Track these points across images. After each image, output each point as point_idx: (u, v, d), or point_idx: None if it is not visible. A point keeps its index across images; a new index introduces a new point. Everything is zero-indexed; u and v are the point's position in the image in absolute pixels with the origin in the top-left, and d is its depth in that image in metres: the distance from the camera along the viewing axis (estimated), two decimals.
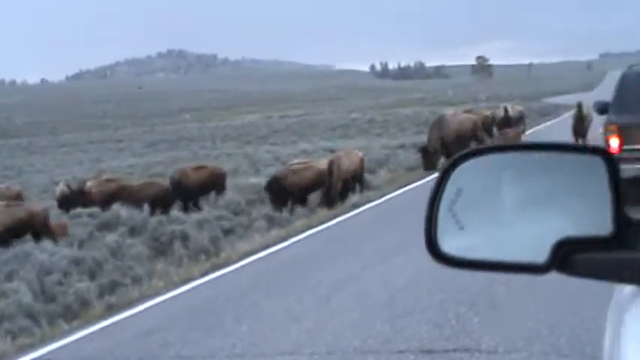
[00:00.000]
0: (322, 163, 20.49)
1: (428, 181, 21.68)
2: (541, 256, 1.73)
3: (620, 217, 1.73)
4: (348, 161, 20.33)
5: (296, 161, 22.38)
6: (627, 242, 1.71)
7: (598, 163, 1.79)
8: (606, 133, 14.23)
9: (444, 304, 8.12)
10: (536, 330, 7.11)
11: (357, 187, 20.80)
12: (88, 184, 23.28)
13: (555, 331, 7.02)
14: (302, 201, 19.85)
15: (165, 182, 22.53)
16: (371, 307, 8.49)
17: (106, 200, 22.25)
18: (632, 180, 13.56)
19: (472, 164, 1.87)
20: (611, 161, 1.79)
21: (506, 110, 29.51)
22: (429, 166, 23.86)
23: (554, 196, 1.78)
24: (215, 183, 22.63)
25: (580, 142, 27.98)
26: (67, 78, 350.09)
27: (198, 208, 21.58)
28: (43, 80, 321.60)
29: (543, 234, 1.73)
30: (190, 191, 22.14)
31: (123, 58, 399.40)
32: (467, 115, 27.11)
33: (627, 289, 1.83)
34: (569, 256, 1.72)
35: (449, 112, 27.51)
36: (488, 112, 30.06)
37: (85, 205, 22.51)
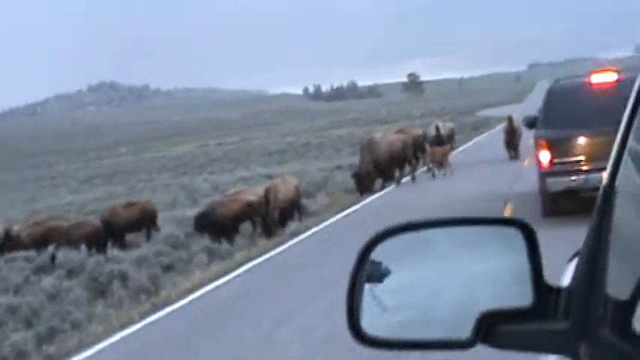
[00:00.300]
0: (252, 193, 20.41)
1: (366, 204, 21.76)
2: (465, 330, 1.70)
3: (540, 287, 1.72)
4: (285, 189, 20.25)
5: (231, 191, 22.32)
6: (548, 312, 1.70)
7: (516, 235, 1.77)
8: (536, 148, 14.48)
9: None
10: None
11: (296, 214, 20.74)
12: (16, 228, 22.90)
13: None
14: (233, 232, 19.75)
15: (97, 221, 22.30)
16: (313, 343, 8.41)
17: (36, 243, 22.02)
18: (562, 193, 13.87)
19: (392, 242, 1.84)
20: (530, 231, 1.78)
21: (437, 128, 29.79)
22: (363, 189, 23.92)
23: (474, 270, 1.76)
24: (146, 219, 22.47)
25: (512, 153, 28.48)
26: None
27: (125, 245, 21.49)
28: None
29: (466, 308, 1.71)
30: (121, 229, 22.01)
31: (53, 93, 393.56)
32: (396, 135, 27.22)
33: (551, 358, 1.82)
34: (492, 329, 1.70)
35: (378, 134, 27.67)
36: (419, 131, 30.28)
37: (14, 249, 22.17)
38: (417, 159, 28.92)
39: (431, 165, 26.53)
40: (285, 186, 20.49)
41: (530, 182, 17.80)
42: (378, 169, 24.70)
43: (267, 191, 19.59)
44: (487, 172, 25.28)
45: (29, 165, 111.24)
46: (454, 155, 33.58)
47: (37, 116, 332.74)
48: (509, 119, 29.22)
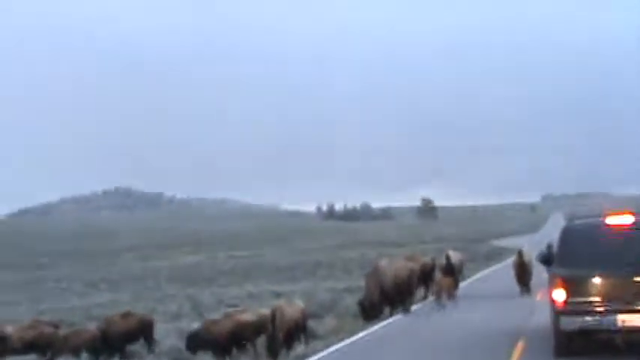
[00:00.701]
0: (249, 313, 20.10)
1: (373, 331, 21.33)
2: None
3: None
4: (291, 311, 19.92)
5: (230, 310, 22.09)
6: None
7: None
8: (551, 286, 14.36)
9: None
10: None
11: (302, 337, 20.31)
12: (9, 329, 22.64)
13: None
14: (227, 353, 19.33)
15: (95, 330, 22.05)
16: None
17: (28, 347, 21.84)
18: (575, 332, 13.67)
19: None
20: None
21: (447, 258, 29.31)
22: (368, 317, 23.54)
23: None
24: (143, 331, 22.18)
25: (523, 288, 28.01)
26: (8, 215, 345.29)
27: (126, 356, 21.19)
28: None
29: None
30: (118, 339, 21.75)
31: (69, 195, 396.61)
32: (403, 263, 26.74)
33: None
34: None
35: (384, 261, 27.31)
36: (427, 259, 29.93)
37: (6, 353, 21.91)
38: (427, 287, 28.54)
39: (438, 294, 26.07)
40: (292, 308, 20.18)
41: (542, 318, 17.47)
42: (384, 297, 24.35)
43: (274, 312, 19.26)
44: (499, 305, 24.93)
45: (38, 265, 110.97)
46: (465, 285, 33.22)
47: (50, 216, 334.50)
48: (519, 253, 28.90)
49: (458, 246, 56.29)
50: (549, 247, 25.60)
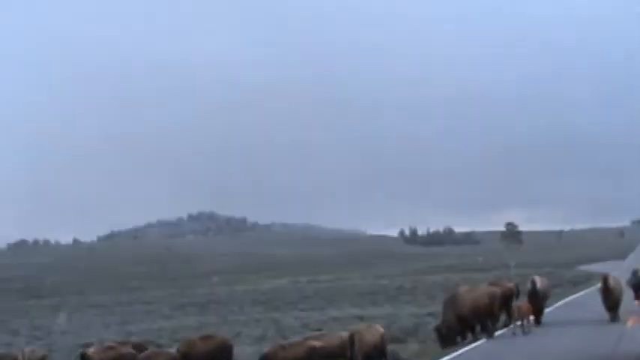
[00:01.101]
0: (322, 339, 20.12)
1: (457, 356, 21.25)
2: None
3: None
4: (370, 335, 20.00)
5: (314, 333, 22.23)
6: None
7: None
8: None
9: None
10: None
11: None
12: (91, 351, 23.31)
13: None
14: None
15: (174, 352, 22.38)
16: None
17: None
18: None
19: None
20: None
21: (533, 283, 28.76)
22: (446, 344, 23.44)
23: None
24: (223, 354, 22.41)
25: (611, 314, 27.25)
26: (99, 238, 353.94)
27: None
28: (75, 240, 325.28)
29: None
30: None
31: (155, 219, 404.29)
32: (484, 289, 26.37)
33: None
34: None
35: (463, 287, 27.05)
36: (511, 284, 29.29)
37: None
38: (508, 313, 28.06)
39: (518, 320, 25.66)
40: (370, 332, 20.25)
41: (632, 345, 17.20)
42: (462, 324, 24.21)
43: (352, 336, 19.35)
44: (586, 331, 24.47)
45: (125, 288, 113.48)
46: (551, 311, 32.69)
47: (137, 240, 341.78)
48: (604, 279, 28.21)
49: (543, 272, 55.30)
50: (635, 272, 25.09)
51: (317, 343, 19.77)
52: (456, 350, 22.27)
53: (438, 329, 24.18)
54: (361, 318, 39.84)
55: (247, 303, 65.97)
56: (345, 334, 20.01)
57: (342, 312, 45.92)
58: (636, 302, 26.36)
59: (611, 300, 27.16)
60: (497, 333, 25.37)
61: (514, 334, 24.90)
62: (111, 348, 23.78)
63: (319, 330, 26.44)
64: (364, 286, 74.82)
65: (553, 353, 19.10)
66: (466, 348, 22.78)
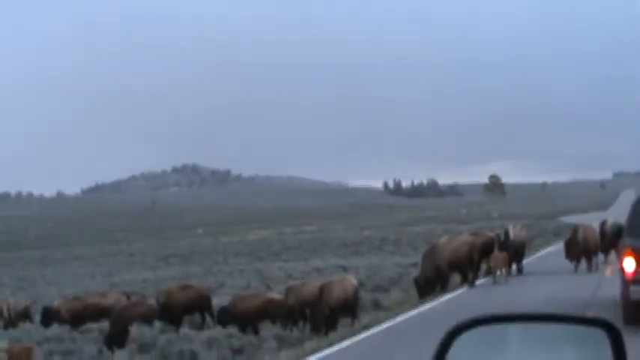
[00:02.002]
0: (278, 291, 20.45)
1: (438, 303, 21.51)
2: None
3: None
4: (341, 288, 19.71)
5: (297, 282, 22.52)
6: None
7: (602, 336, 1.75)
8: (621, 256, 14.63)
9: None
10: None
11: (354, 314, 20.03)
12: (56, 303, 23.66)
13: None
14: (253, 328, 19.68)
15: (153, 302, 22.57)
16: None
17: (76, 319, 22.70)
18: None
19: (473, 333, 1.87)
20: (616, 333, 1.75)
21: (506, 233, 28.72)
22: (423, 295, 23.65)
23: None
24: (201, 304, 22.61)
25: (574, 265, 27.33)
26: (83, 191, 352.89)
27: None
28: (59, 193, 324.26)
29: None
30: (177, 311, 22.22)
31: (139, 171, 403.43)
32: (463, 239, 26.59)
33: None
34: None
35: (443, 238, 27.22)
36: (492, 234, 29.33)
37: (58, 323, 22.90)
38: (477, 267, 28.14)
39: (492, 270, 25.77)
40: (342, 285, 19.94)
41: (610, 291, 17.48)
42: (440, 275, 24.43)
43: (322, 288, 19.27)
44: (566, 280, 24.77)
45: (110, 240, 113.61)
46: (531, 261, 33.04)
47: (121, 193, 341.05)
48: (574, 230, 28.32)
49: (524, 223, 55.72)
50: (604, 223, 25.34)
51: (274, 295, 20.17)
52: (437, 299, 22.54)
53: (416, 280, 24.36)
54: (344, 268, 40.11)
55: (231, 254, 66.24)
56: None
57: (326, 262, 46.19)
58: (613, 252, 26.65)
59: (577, 249, 27.24)
60: (479, 282, 25.65)
61: (491, 283, 25.14)
62: (77, 299, 24.07)
63: (302, 280, 26.64)
64: (348, 237, 75.18)
65: (532, 300, 19.36)
66: (448, 296, 23.06)
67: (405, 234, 74.02)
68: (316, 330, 18.59)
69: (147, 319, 21.23)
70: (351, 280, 20.83)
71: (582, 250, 27.07)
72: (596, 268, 26.71)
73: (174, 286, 25.02)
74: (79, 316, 23.04)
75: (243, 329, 19.80)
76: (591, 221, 36.26)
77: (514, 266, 27.74)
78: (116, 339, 19.66)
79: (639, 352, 8.70)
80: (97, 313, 23.13)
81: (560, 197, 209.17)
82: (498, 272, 25.66)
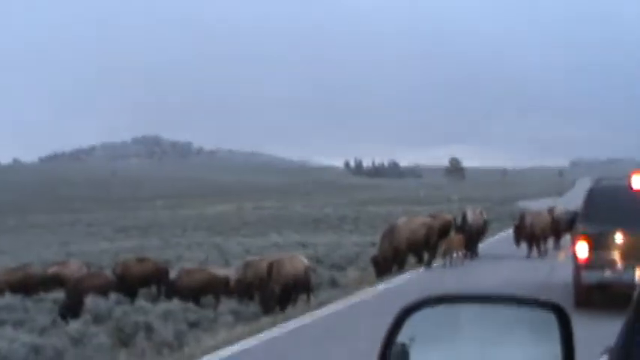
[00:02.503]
0: (227, 268, 20.58)
1: (395, 283, 21.68)
2: None
3: None
4: (291, 267, 19.47)
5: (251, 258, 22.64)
6: None
7: (550, 319, 1.78)
8: (574, 241, 15.27)
9: None
10: None
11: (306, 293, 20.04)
12: None
13: None
14: (195, 302, 19.73)
15: (109, 274, 22.51)
16: None
17: (13, 290, 22.69)
18: (595, 286, 14.46)
19: (425, 314, 1.88)
20: (565, 316, 1.79)
21: (464, 217, 28.76)
22: (381, 274, 23.83)
23: (506, 348, 1.78)
24: (158, 277, 22.57)
25: (527, 250, 27.61)
26: (41, 159, 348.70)
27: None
28: (15, 160, 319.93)
29: None
30: (133, 284, 22.21)
31: (99, 141, 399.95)
32: (422, 221, 26.84)
33: None
34: None
35: (402, 219, 27.42)
36: (450, 217, 29.74)
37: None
38: (434, 248, 28.37)
39: (446, 252, 25.89)
40: (292, 263, 19.78)
41: (562, 275, 17.79)
42: (397, 256, 24.61)
43: (271, 266, 19.19)
44: (520, 263, 25.09)
45: (67, 209, 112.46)
46: (488, 244, 33.40)
47: (80, 162, 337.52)
48: (521, 216, 28.67)
49: (485, 206, 56.25)
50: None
51: (219, 272, 20.28)
52: (394, 278, 22.70)
53: (374, 259, 24.51)
54: (303, 245, 40.22)
55: (190, 227, 66.09)
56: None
57: (285, 239, 46.26)
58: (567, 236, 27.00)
59: (525, 236, 27.57)
60: (435, 264, 25.88)
61: (445, 265, 25.28)
62: (18, 269, 23.95)
63: (260, 255, 26.63)
64: (308, 215, 75.35)
65: (487, 283, 19.59)
66: (404, 276, 23.23)
67: (364, 213, 74.38)
68: (266, 308, 18.48)
69: (103, 290, 21.12)
70: (301, 259, 20.78)
71: (529, 235, 27.23)
72: (546, 254, 26.89)
73: (130, 257, 24.90)
74: (16, 287, 22.84)
75: (197, 303, 19.83)
76: (545, 206, 36.75)
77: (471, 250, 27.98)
78: (71, 309, 19.53)
79: (589, 333, 8.97)
80: (71, 285, 22.82)
81: (519, 183, 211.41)
82: (455, 255, 25.90)
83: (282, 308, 18.62)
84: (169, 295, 20.01)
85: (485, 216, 33.35)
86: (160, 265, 23.26)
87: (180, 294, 19.91)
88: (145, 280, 22.49)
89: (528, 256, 26.53)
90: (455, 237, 26.65)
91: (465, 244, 26.82)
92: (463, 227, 27.83)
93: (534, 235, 27.29)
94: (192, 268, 22.33)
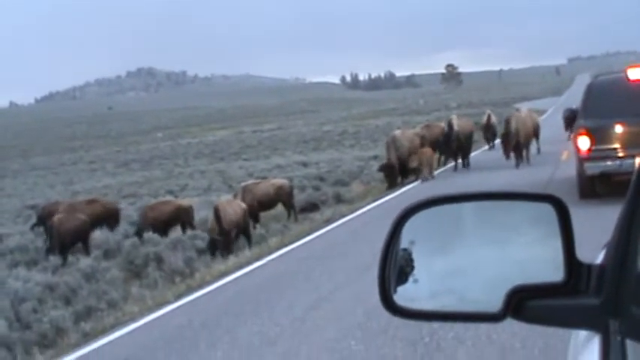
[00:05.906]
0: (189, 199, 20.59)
1: (401, 193, 21.77)
2: (496, 304, 1.74)
3: (572, 263, 1.75)
4: (231, 210, 18.16)
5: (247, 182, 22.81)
6: (578, 288, 1.73)
7: (549, 210, 1.80)
8: (576, 136, 15.58)
9: (417, 322, 8.09)
10: None
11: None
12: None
13: None
14: (163, 234, 19.75)
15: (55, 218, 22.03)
16: (345, 327, 8.49)
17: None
18: (598, 176, 15.02)
19: (424, 215, 1.88)
20: (563, 207, 1.80)
21: (450, 125, 27.35)
22: (392, 184, 23.87)
23: (507, 244, 1.79)
24: (108, 218, 22.06)
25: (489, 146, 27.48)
26: (37, 100, 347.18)
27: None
28: (11, 103, 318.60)
29: (497, 282, 1.74)
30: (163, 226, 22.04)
31: (93, 78, 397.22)
32: (413, 131, 27.08)
33: (581, 334, 1.85)
34: (523, 303, 1.73)
35: (398, 130, 27.40)
36: (443, 126, 28.98)
37: None
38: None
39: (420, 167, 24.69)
40: (232, 207, 18.51)
41: (566, 172, 17.93)
42: (401, 165, 24.62)
43: (217, 208, 17.91)
44: (522, 166, 25.01)
45: (68, 148, 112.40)
46: (482, 151, 33.42)
47: (76, 100, 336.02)
48: (488, 117, 28.55)
49: (480, 111, 56.01)
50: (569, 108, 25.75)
51: (183, 202, 20.39)
52: (398, 190, 22.80)
53: (385, 167, 24.46)
54: (305, 164, 40.35)
55: (192, 156, 66.13)
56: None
57: (286, 159, 46.34)
58: (569, 135, 26.75)
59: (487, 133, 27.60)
60: (437, 172, 25.96)
61: (422, 181, 24.09)
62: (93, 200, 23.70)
63: (264, 178, 26.71)
64: (307, 133, 75.27)
65: (491, 184, 19.67)
66: (407, 187, 23.33)
67: (363, 127, 74.26)
68: (212, 252, 17.34)
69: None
70: (240, 204, 19.16)
71: (515, 142, 24.74)
72: (527, 162, 24.83)
73: (80, 200, 24.15)
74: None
75: (165, 235, 19.67)
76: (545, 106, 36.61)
77: (460, 159, 27.33)
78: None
79: (592, 225, 9.08)
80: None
81: (516, 84, 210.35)
82: (428, 168, 24.86)
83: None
84: (139, 234, 19.49)
85: (494, 120, 33.44)
86: (111, 206, 22.71)
87: (149, 228, 19.66)
88: (96, 221, 21.33)
89: (518, 167, 24.21)
90: (427, 150, 25.22)
91: (433, 157, 25.84)
92: (449, 136, 26.91)
93: (519, 143, 24.82)
94: (154, 203, 22.04)
